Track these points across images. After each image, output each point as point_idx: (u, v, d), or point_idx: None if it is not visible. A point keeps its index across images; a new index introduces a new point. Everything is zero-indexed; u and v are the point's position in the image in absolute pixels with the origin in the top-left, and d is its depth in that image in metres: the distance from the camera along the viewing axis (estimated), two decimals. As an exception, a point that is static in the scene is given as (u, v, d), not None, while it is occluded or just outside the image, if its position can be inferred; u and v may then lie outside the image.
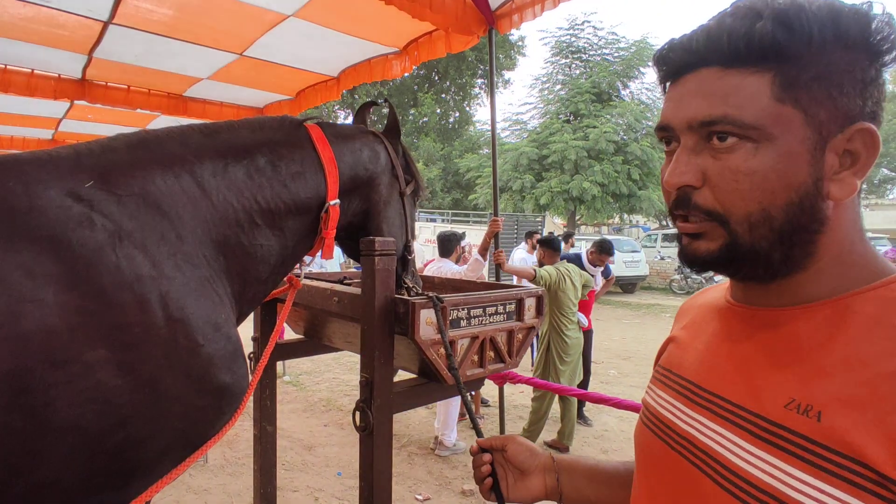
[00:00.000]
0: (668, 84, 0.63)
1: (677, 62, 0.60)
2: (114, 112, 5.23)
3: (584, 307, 4.53)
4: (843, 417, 0.49)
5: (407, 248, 1.72)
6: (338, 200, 1.48)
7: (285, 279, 1.60)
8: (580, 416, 4.67)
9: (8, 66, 3.97)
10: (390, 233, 1.64)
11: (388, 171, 1.65)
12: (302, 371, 6.27)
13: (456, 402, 4.26)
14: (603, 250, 4.87)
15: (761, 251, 0.56)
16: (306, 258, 1.57)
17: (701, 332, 0.70)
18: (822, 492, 0.48)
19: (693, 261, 0.62)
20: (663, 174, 0.61)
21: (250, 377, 1.31)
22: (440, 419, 4.20)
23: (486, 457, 0.92)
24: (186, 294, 1.09)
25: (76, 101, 4.69)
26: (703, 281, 14.69)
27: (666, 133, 0.62)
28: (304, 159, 1.43)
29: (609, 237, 16.63)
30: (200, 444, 1.14)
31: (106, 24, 3.26)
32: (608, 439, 4.50)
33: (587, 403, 3.85)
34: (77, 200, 1.02)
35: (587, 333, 4.56)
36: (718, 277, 15.14)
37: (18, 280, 0.90)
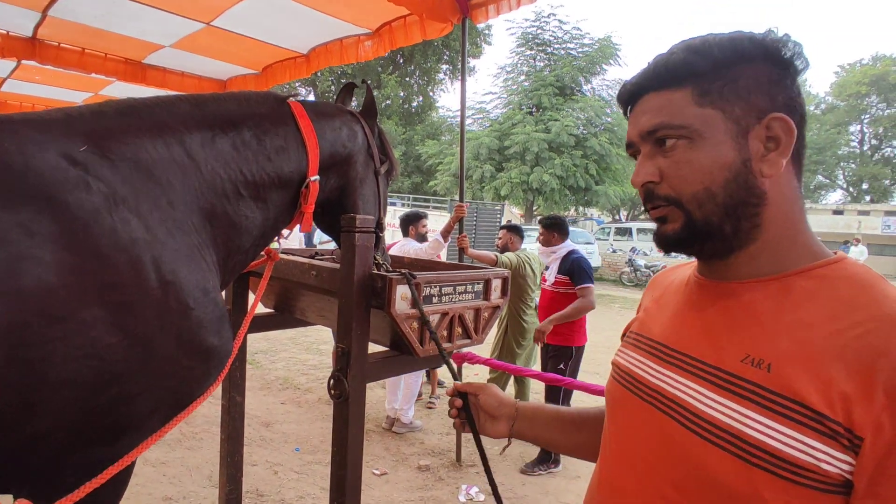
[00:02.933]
0: (627, 111, 0.79)
1: (630, 93, 0.77)
2: (65, 75, 4.98)
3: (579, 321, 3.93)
4: (788, 369, 0.62)
5: (379, 226, 1.78)
6: (318, 176, 1.53)
7: (263, 252, 1.64)
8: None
9: (-51, 18, 3.73)
10: (365, 210, 1.69)
11: (365, 150, 1.71)
12: (258, 350, 6.22)
13: (416, 380, 4.37)
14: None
15: (713, 224, 0.70)
16: (284, 231, 1.62)
17: (670, 302, 0.83)
18: (772, 429, 0.60)
19: (664, 241, 0.76)
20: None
21: None
22: (398, 398, 4.29)
23: (458, 401, 1.09)
24: (178, 259, 1.13)
25: (24, 61, 4.45)
26: (651, 274, 15.37)
27: (632, 149, 0.78)
28: (287, 135, 1.47)
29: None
30: (187, 404, 1.18)
31: (65, -18, 3.12)
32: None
33: (573, 393, 3.97)
34: (72, 163, 1.04)
35: (578, 349, 3.96)
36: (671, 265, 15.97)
37: (17, 237, 0.92)
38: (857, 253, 15.97)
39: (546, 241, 4.07)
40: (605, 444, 0.84)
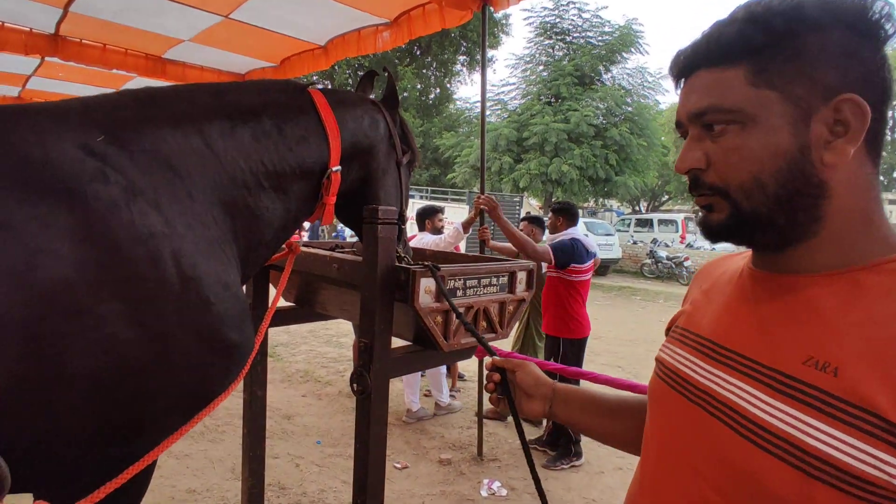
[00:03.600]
0: (677, 86, 0.72)
1: (680, 67, 0.70)
2: (86, 71, 5.02)
3: (579, 305, 3.78)
4: (857, 373, 0.54)
5: (401, 218, 1.74)
6: (339, 167, 1.49)
7: (284, 245, 1.61)
8: None
9: (-26, 17, 3.78)
10: (387, 201, 1.65)
11: (387, 140, 1.66)
12: (279, 342, 6.27)
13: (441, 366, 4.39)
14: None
15: (762, 216, 0.64)
16: (305, 224, 1.58)
17: (720, 295, 0.76)
18: (837, 439, 0.53)
19: (709, 230, 0.70)
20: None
21: None
22: (415, 391, 4.32)
23: (496, 376, 1.05)
24: (198, 252, 1.10)
25: (47, 58, 4.50)
26: (674, 266, 15.11)
27: (681, 129, 0.72)
28: (308, 124, 1.44)
29: (585, 220, 16.85)
30: (208, 402, 1.16)
31: (85, -23, 3.12)
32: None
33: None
34: (90, 154, 1.02)
35: (572, 342, 3.78)
36: (688, 262, 15.33)
37: (35, 231, 0.90)
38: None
39: (553, 227, 4.00)
40: (647, 445, 0.78)
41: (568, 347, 3.77)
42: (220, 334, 1.12)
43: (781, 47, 0.61)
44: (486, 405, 4.51)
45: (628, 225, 20.98)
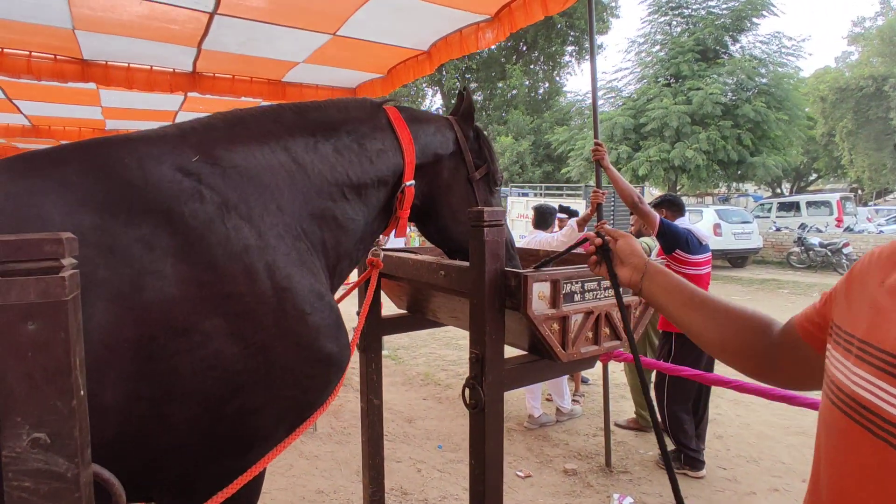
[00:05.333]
0: None
1: None
2: (221, 101, 5.56)
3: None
4: None
5: None
6: (413, 182, 1.51)
7: (367, 261, 1.64)
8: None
9: (131, 65, 4.32)
10: (457, 218, 1.62)
11: (455, 156, 1.65)
12: (399, 346, 6.44)
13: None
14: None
15: None
16: (381, 238, 1.59)
17: None
18: None
19: None
20: None
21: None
22: (536, 396, 4.16)
23: (599, 240, 1.14)
24: (290, 264, 1.11)
25: (189, 94, 5.04)
26: (830, 253, 13.23)
27: None
28: (385, 139, 1.47)
29: (716, 207, 15.39)
30: (311, 413, 1.16)
31: (212, 16, 3.41)
32: (720, 423, 4.18)
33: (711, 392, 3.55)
34: (186, 175, 1.06)
35: (678, 336, 3.41)
36: (848, 249, 13.45)
37: (139, 253, 0.94)
38: None
39: None
40: (819, 483, 0.63)
41: (679, 345, 3.40)
42: (318, 344, 1.12)
43: None
44: (619, 415, 4.20)
45: (769, 210, 18.77)
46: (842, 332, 0.64)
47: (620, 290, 1.15)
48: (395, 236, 1.60)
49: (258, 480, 1.18)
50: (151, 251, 0.95)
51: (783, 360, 0.84)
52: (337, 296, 1.53)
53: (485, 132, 1.77)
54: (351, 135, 1.40)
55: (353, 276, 2.09)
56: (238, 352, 1.00)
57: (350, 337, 1.34)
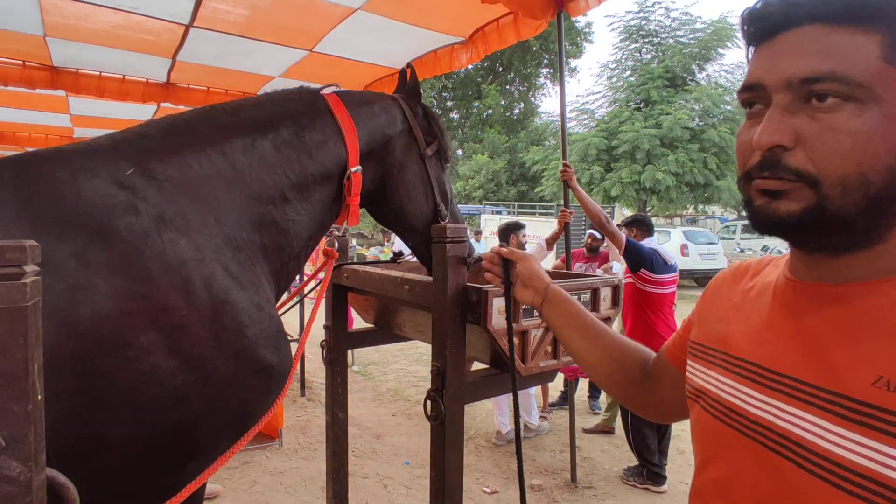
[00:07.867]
0: (757, 44, 0.60)
1: (776, 18, 0.57)
2: (195, 113, 5.54)
3: (661, 321, 3.54)
4: None
5: (437, 213, 1.65)
6: (359, 167, 1.47)
7: (322, 253, 1.62)
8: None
9: (103, 73, 4.28)
10: (411, 196, 1.59)
11: (405, 133, 1.61)
12: (370, 361, 6.41)
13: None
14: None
15: (847, 218, 0.53)
16: (334, 229, 1.56)
17: (753, 310, 0.67)
18: None
19: (769, 221, 0.58)
20: (741, 136, 0.60)
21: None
22: (504, 412, 4.19)
23: (497, 258, 1.17)
24: (229, 276, 1.11)
25: (162, 104, 4.99)
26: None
27: (753, 93, 0.59)
28: (325, 128, 1.42)
29: (684, 228, 15.80)
30: (252, 424, 1.15)
31: (187, 28, 3.42)
32: (683, 439, 4.27)
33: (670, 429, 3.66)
34: (121, 188, 1.04)
35: None
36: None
37: (73, 268, 0.93)
38: None
39: None
40: (705, 489, 0.68)
41: None
42: (257, 355, 1.12)
43: None
44: (578, 425, 4.26)
45: (734, 232, 19.39)
46: (699, 347, 0.73)
47: (522, 309, 1.23)
48: (348, 224, 1.55)
49: (198, 495, 1.17)
50: (86, 266, 0.94)
51: (657, 385, 0.89)
52: (288, 295, 1.53)
53: (455, 144, 1.75)
54: (290, 129, 1.35)
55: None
56: (176, 365, 0.99)
57: (294, 348, 1.34)
